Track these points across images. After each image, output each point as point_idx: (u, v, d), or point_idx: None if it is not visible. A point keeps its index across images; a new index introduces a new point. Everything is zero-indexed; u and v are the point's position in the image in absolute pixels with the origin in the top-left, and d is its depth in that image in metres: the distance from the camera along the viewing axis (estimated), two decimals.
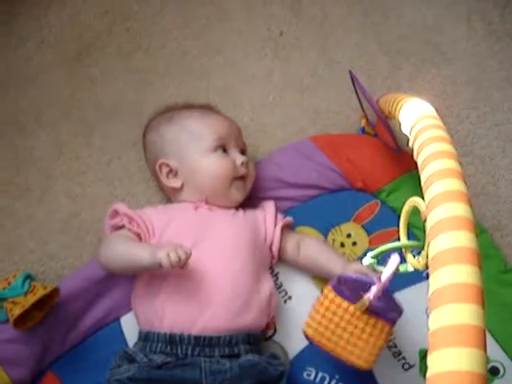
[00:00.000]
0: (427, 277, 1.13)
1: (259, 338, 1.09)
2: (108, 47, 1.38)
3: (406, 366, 1.12)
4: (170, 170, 1.15)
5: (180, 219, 1.10)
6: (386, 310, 0.89)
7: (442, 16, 1.37)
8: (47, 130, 1.33)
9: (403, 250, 0.80)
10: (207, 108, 1.23)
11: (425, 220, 0.63)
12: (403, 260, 0.82)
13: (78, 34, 1.40)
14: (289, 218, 1.18)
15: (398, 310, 0.94)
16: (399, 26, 1.37)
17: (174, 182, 1.15)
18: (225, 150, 1.14)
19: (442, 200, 0.61)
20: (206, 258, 1.04)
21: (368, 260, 0.82)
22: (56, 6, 1.41)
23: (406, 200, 1.15)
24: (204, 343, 1.01)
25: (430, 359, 0.49)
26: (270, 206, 1.18)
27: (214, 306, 1.02)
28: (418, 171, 1.16)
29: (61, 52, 1.38)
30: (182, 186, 1.14)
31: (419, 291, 1.14)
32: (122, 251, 1.04)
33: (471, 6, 1.38)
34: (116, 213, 1.12)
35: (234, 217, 1.13)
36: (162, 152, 1.16)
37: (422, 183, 0.68)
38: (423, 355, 1.12)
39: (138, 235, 1.09)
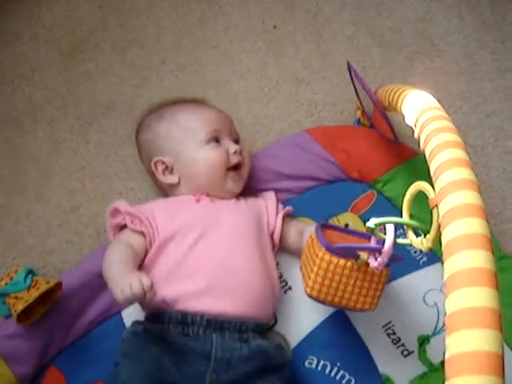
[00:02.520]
0: (423, 265, 1.16)
1: (266, 329, 1.11)
2: (103, 42, 1.39)
3: (406, 353, 1.13)
4: (166, 167, 1.15)
5: (184, 212, 1.11)
6: None
7: (433, 8, 1.39)
8: (44, 126, 1.34)
9: (405, 228, 0.82)
10: (197, 101, 1.24)
11: (433, 206, 0.65)
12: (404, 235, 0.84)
13: (72, 29, 1.40)
14: (289, 207, 1.19)
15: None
16: (391, 19, 1.39)
17: (171, 179, 1.15)
18: (218, 141, 1.15)
19: (455, 188, 0.63)
20: (214, 246, 1.06)
21: (371, 224, 0.84)
22: (49, 2, 1.42)
23: (402, 190, 1.19)
24: (215, 326, 1.01)
25: (449, 341, 0.51)
26: (270, 196, 1.19)
27: (227, 291, 1.03)
28: (413, 161, 1.21)
29: (55, 48, 1.39)
30: (179, 181, 1.15)
31: (416, 279, 1.16)
32: (107, 267, 1.03)
33: None
34: (117, 211, 1.11)
35: (236, 205, 1.14)
36: (156, 150, 1.17)
37: (432, 172, 0.69)
38: (422, 341, 1.14)
39: (142, 233, 1.08)
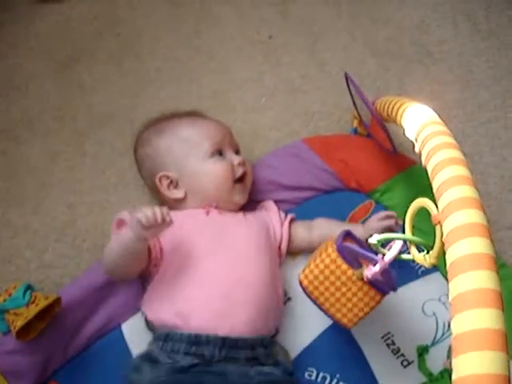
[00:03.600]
0: (422, 274, 1.17)
1: (270, 341, 1.10)
2: (98, 53, 1.39)
3: (405, 363, 1.14)
4: (171, 182, 1.14)
5: (192, 224, 1.10)
6: (382, 283, 0.92)
7: (428, 17, 1.40)
8: (40, 138, 1.33)
9: (408, 244, 0.83)
10: (195, 114, 1.23)
11: (436, 223, 0.65)
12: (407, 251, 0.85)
13: (67, 40, 1.40)
14: (292, 215, 1.19)
15: (392, 287, 0.97)
16: (387, 28, 1.39)
17: (177, 193, 1.14)
18: (221, 154, 1.15)
19: (459, 206, 0.63)
20: (227, 260, 1.05)
21: (374, 241, 0.84)
22: (44, 13, 1.42)
23: (399, 200, 1.20)
24: (231, 344, 1.00)
25: (455, 363, 0.51)
26: (271, 206, 1.20)
27: (240, 306, 1.02)
28: (411, 171, 1.21)
29: (51, 59, 1.39)
30: (186, 195, 1.14)
31: (415, 289, 1.16)
32: (114, 247, 1.02)
33: (456, 7, 1.41)
34: (122, 222, 1.09)
35: (245, 219, 1.14)
36: (158, 165, 1.15)
37: (435, 189, 0.69)
38: (421, 352, 1.14)
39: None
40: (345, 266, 0.93)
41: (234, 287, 1.03)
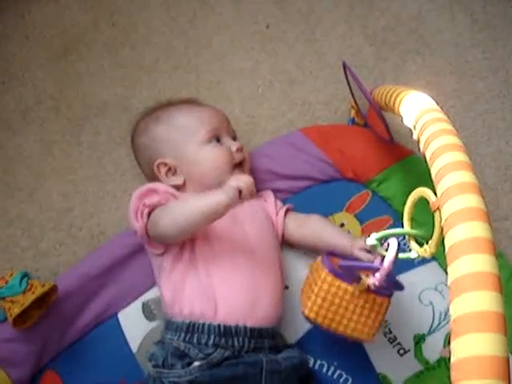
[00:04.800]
0: (419, 264, 1.17)
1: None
2: (94, 43, 1.38)
3: (402, 352, 1.14)
4: (169, 169, 1.14)
5: None
6: (385, 286, 0.92)
7: (425, 7, 1.40)
8: (35, 127, 1.32)
9: (407, 238, 0.82)
10: (191, 101, 1.23)
11: (435, 210, 0.65)
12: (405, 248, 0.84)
13: (62, 29, 1.39)
14: (289, 205, 1.19)
15: (396, 285, 0.96)
16: (384, 18, 1.39)
17: (176, 180, 1.13)
18: (218, 140, 1.15)
19: (457, 191, 0.63)
20: (246, 248, 1.06)
21: (372, 241, 0.84)
22: (39, 2, 1.40)
23: (396, 189, 1.20)
24: (257, 334, 1.02)
25: (454, 345, 0.51)
26: (269, 195, 1.19)
27: (264, 296, 1.04)
28: (407, 160, 1.21)
29: (46, 48, 1.38)
30: (184, 182, 1.13)
31: (411, 278, 1.16)
32: (197, 207, 0.98)
33: None
34: (153, 191, 1.08)
35: (249, 205, 1.12)
36: (156, 152, 1.15)
37: (433, 174, 0.69)
38: (417, 340, 1.14)
39: None
40: (344, 285, 0.93)
41: (257, 276, 1.04)
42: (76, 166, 1.30)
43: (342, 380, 1.13)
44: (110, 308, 1.16)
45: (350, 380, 1.13)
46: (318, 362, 1.14)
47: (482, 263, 0.56)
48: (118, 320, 1.16)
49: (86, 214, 1.26)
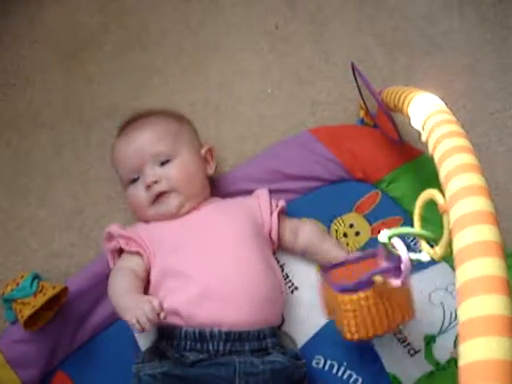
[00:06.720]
0: (429, 264, 1.16)
1: (277, 331, 1.11)
2: (104, 45, 1.38)
3: (412, 352, 1.14)
4: None
5: (171, 228, 1.11)
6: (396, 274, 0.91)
7: (434, 6, 1.39)
8: (45, 129, 1.33)
9: (417, 238, 0.82)
10: (139, 118, 1.19)
11: (443, 212, 0.65)
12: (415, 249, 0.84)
13: (73, 32, 1.39)
14: (282, 202, 1.18)
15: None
16: (393, 18, 1.38)
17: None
18: (136, 179, 1.14)
19: (466, 194, 0.63)
20: (216, 253, 1.05)
21: (384, 238, 0.83)
22: (49, 4, 1.41)
23: (406, 190, 1.20)
24: (234, 338, 1.01)
25: (462, 349, 0.51)
26: (263, 193, 1.18)
27: (238, 299, 1.02)
28: (417, 161, 1.21)
29: (56, 50, 1.38)
30: None
31: (422, 278, 1.15)
32: (114, 294, 1.05)
33: None
34: (111, 235, 1.12)
35: (224, 206, 1.14)
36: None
37: (442, 177, 0.69)
38: (428, 341, 1.14)
39: (138, 253, 1.09)
40: (363, 294, 0.92)
41: (229, 282, 1.03)
42: (86, 168, 1.31)
43: (352, 380, 1.12)
44: None
45: (360, 380, 1.12)
46: (329, 362, 1.13)
47: (491, 267, 0.55)
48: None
49: (97, 214, 1.27)
